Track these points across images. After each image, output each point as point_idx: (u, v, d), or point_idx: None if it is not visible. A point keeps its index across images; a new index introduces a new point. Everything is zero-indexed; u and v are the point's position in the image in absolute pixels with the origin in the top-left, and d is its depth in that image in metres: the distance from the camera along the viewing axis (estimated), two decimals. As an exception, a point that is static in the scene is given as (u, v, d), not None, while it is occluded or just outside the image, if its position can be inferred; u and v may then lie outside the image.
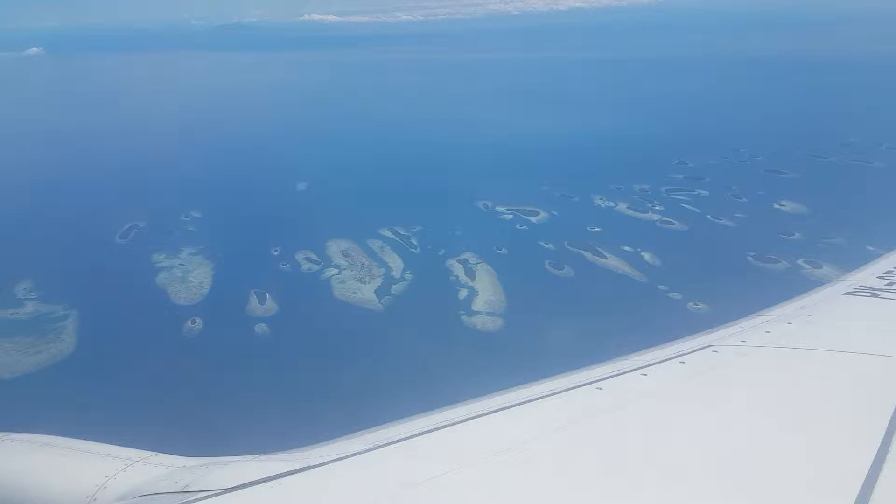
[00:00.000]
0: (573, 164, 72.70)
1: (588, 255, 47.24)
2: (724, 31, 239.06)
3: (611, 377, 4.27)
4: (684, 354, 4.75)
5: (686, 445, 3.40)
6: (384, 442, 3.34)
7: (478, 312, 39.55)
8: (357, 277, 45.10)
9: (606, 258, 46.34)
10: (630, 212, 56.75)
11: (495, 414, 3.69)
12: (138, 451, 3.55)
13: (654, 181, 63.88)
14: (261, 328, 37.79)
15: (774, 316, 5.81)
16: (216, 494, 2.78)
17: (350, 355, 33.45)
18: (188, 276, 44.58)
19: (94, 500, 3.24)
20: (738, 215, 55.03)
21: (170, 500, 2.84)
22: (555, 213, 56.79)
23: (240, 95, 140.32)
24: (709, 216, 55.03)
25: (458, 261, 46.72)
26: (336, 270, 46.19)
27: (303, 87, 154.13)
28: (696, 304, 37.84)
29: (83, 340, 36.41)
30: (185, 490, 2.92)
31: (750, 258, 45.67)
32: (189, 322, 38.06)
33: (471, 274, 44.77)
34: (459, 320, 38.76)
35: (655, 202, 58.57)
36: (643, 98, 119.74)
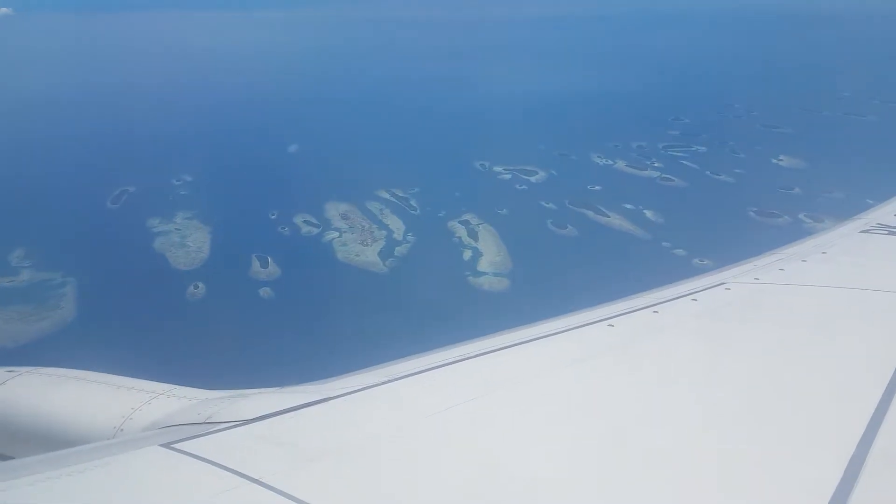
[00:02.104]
0: (568, 123, 71.87)
1: (590, 213, 47.08)
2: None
3: (622, 314, 4.24)
4: (697, 292, 4.69)
5: (697, 380, 3.43)
6: (399, 375, 3.39)
7: (484, 273, 39.47)
8: (359, 240, 44.64)
9: (608, 216, 46.24)
10: (629, 169, 56.48)
11: (508, 349, 3.74)
12: (162, 384, 3.62)
13: (651, 138, 63.45)
14: (265, 292, 37.39)
15: (789, 254, 5.74)
16: (238, 425, 2.84)
17: (359, 317, 33.31)
18: (186, 241, 43.70)
19: (121, 430, 3.33)
20: (737, 171, 55.04)
21: (193, 430, 2.89)
22: (553, 172, 56.31)
23: (225, 56, 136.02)
24: (708, 172, 54.99)
25: (460, 222, 46.35)
26: (337, 233, 45.64)
27: (288, 47, 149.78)
28: (701, 261, 37.96)
29: (85, 307, 35.76)
30: (207, 421, 2.98)
31: (752, 213, 45.85)
32: (192, 287, 37.51)
33: (473, 235, 44.50)
34: (466, 281, 38.68)
35: (654, 159, 58.32)
36: (632, 54, 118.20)
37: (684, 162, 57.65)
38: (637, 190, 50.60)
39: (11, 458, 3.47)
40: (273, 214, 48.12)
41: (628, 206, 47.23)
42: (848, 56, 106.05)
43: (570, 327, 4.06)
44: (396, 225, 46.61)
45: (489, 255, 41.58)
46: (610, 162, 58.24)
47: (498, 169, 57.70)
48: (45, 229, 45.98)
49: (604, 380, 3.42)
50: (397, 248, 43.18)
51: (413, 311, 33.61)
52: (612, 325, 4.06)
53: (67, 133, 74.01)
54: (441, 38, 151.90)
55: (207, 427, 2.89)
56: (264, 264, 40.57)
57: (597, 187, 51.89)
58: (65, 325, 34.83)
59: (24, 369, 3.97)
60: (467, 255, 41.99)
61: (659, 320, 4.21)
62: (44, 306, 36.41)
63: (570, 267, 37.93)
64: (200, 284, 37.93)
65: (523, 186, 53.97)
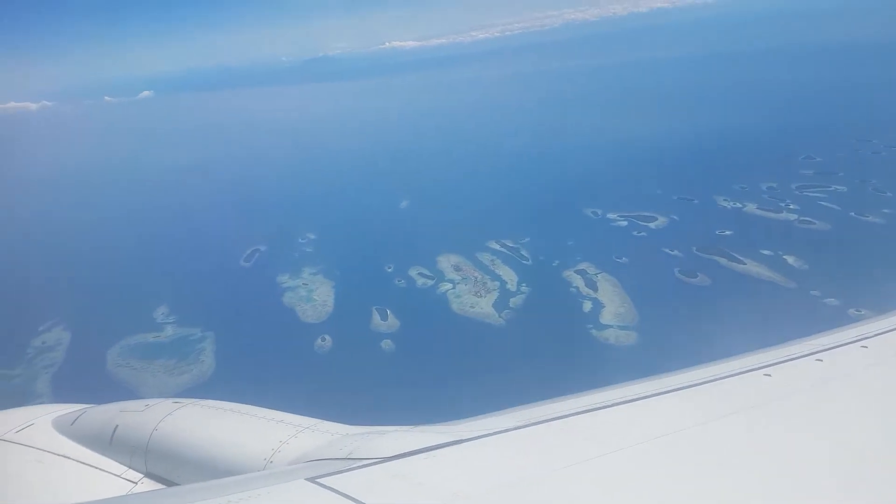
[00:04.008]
0: (687, 166, 68.67)
1: (722, 260, 43.84)
2: (831, 16, 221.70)
3: (780, 363, 3.89)
4: (866, 338, 4.25)
5: (866, 439, 3.08)
6: (534, 420, 3.27)
7: (608, 326, 37.52)
8: (472, 291, 44.39)
9: (745, 263, 42.76)
10: (761, 212, 52.46)
11: (650, 399, 3.48)
12: (307, 418, 3.82)
13: (782, 178, 58.94)
14: (387, 344, 37.79)
15: None
16: (376, 462, 2.93)
17: (482, 371, 32.42)
18: (312, 296, 45.76)
19: (271, 462, 3.53)
20: (885, 211, 49.50)
21: (335, 465, 2.98)
22: (675, 217, 53.54)
23: (344, 122, 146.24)
24: (852, 213, 49.83)
25: (576, 272, 44.85)
26: (450, 285, 45.73)
27: (398, 112, 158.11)
28: (857, 310, 33.75)
29: (223, 361, 37.92)
30: (348, 457, 3.08)
31: (912, 257, 40.60)
32: (319, 340, 38.80)
33: (592, 285, 42.78)
34: (589, 334, 36.94)
35: (788, 201, 53.89)
36: (754, 93, 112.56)
37: (823, 203, 52.73)
38: (774, 234, 46.69)
39: (175, 483, 3.74)
40: (389, 267, 49.29)
41: (766, 251, 43.52)
42: None
43: (720, 376, 3.71)
44: (509, 275, 45.97)
45: (612, 306, 39.61)
46: (738, 205, 54.45)
47: (612, 216, 55.85)
48: (185, 287, 50.03)
49: (766, 436, 3.11)
50: (512, 300, 42.36)
51: (537, 363, 32.31)
52: (769, 375, 3.70)
53: (205, 199, 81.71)
54: (548, 86, 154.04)
55: (349, 463, 2.99)
56: (384, 317, 41.24)
57: (727, 232, 48.45)
58: (205, 377, 36.95)
59: (187, 401, 4.27)
60: (587, 306, 40.26)
61: (824, 370, 3.83)
62: (185, 360, 39.01)
63: (706, 318, 35.02)
64: (327, 337, 39.11)
65: (642, 233, 51.64)
